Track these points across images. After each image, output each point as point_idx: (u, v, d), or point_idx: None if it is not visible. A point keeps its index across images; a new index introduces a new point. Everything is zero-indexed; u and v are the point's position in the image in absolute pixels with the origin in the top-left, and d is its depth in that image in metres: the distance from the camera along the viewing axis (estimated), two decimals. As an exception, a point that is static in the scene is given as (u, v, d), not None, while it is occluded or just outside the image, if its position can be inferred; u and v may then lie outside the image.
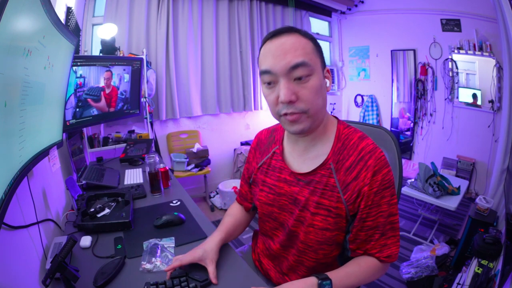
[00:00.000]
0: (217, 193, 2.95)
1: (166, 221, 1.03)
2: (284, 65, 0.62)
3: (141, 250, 0.88)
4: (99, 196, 1.21)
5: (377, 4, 3.73)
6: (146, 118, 2.45)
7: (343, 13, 4.08)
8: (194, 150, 2.82)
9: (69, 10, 1.77)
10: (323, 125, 0.72)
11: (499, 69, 2.67)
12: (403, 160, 3.67)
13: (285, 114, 0.66)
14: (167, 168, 1.43)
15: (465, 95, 3.08)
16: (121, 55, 2.28)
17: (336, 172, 0.69)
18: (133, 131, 2.51)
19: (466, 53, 2.95)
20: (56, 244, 0.90)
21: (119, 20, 2.44)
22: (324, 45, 4.33)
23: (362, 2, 3.86)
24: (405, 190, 2.24)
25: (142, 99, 2.29)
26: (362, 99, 4.13)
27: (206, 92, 3.09)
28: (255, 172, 0.86)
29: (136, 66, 2.11)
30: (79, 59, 1.66)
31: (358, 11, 3.97)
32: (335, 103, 4.26)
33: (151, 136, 2.47)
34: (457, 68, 3.08)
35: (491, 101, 2.82)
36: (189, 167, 2.73)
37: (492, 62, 2.75)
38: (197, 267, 0.76)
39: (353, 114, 4.28)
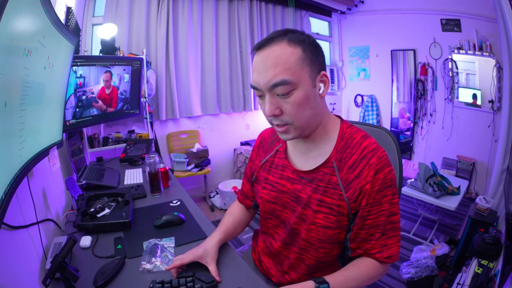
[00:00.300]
0: (217, 193, 2.95)
1: (166, 221, 1.03)
2: (266, 83, 0.63)
3: (141, 250, 0.88)
4: (99, 196, 1.21)
5: (377, 4, 3.73)
6: (146, 118, 2.45)
7: (343, 13, 4.08)
8: (194, 150, 2.82)
9: (69, 10, 1.77)
10: (322, 126, 0.72)
11: (499, 69, 2.67)
12: (403, 160, 3.68)
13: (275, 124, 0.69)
14: (167, 168, 1.43)
15: (465, 95, 3.08)
16: (121, 55, 2.28)
17: (338, 170, 0.70)
18: (133, 131, 2.51)
19: (466, 53, 2.95)
20: (56, 244, 0.90)
21: (119, 20, 2.44)
22: (324, 45, 4.33)
23: (362, 2, 3.86)
24: (405, 190, 2.24)
25: (142, 99, 2.29)
26: (362, 99, 4.13)
27: (206, 92, 3.09)
28: (258, 170, 0.87)
29: (136, 66, 2.11)
30: (79, 59, 1.66)
31: (358, 11, 3.97)
32: (335, 103, 4.26)
33: (151, 136, 2.47)
34: (457, 68, 3.08)
35: (491, 101, 2.82)
36: (189, 167, 2.73)
37: (492, 62, 2.75)
38: (202, 268, 0.76)
39: (353, 114, 4.28)
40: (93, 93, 1.76)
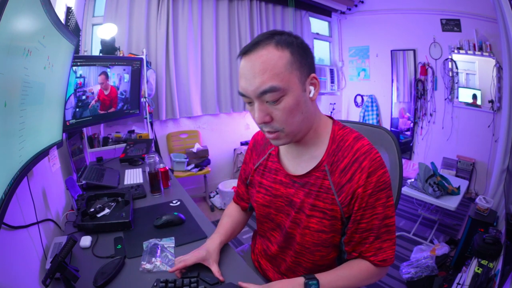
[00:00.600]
0: (217, 193, 2.95)
1: (166, 221, 1.03)
2: (254, 90, 0.61)
3: (141, 250, 0.88)
4: (99, 196, 1.21)
5: (377, 4, 3.73)
6: (146, 118, 2.45)
7: (343, 13, 4.08)
8: (194, 150, 2.82)
9: (69, 10, 1.77)
10: (314, 129, 0.71)
11: (499, 69, 2.67)
12: (403, 160, 3.69)
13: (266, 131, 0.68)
14: (167, 168, 1.43)
15: (465, 95, 3.08)
16: (121, 55, 2.28)
17: (330, 174, 0.68)
18: (133, 131, 2.51)
19: (466, 53, 2.95)
20: (56, 244, 0.90)
21: (119, 20, 2.44)
22: (324, 45, 4.33)
23: (362, 2, 3.86)
24: (405, 190, 2.24)
25: (142, 99, 2.29)
26: (362, 99, 4.13)
27: (206, 92, 3.09)
28: (252, 174, 0.86)
29: (136, 66, 2.10)
30: (79, 59, 1.66)
31: (358, 11, 3.97)
32: (335, 103, 4.26)
33: (151, 136, 2.47)
34: (457, 68, 3.08)
35: (491, 101, 2.82)
36: (189, 167, 2.73)
37: (492, 62, 2.75)
38: (206, 269, 0.76)
39: (353, 114, 4.28)
40: (93, 93, 1.76)
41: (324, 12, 3.96)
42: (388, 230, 0.68)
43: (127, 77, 2.05)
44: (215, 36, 3.04)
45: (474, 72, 2.97)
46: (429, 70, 3.33)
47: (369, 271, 0.69)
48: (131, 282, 0.76)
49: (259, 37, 0.62)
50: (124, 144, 2.09)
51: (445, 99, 3.24)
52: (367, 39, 3.94)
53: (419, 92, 3.44)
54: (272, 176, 0.79)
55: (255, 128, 3.46)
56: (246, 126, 3.45)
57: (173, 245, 0.92)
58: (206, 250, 0.78)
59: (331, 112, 4.22)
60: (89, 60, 1.78)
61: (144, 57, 2.29)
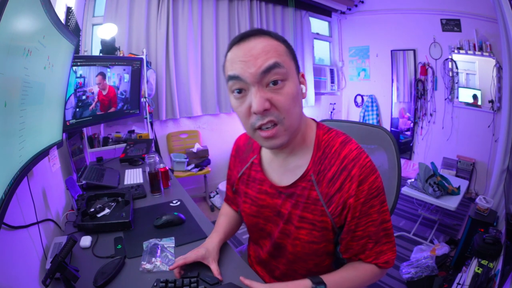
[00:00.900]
0: (217, 193, 2.94)
1: (166, 221, 1.03)
2: (255, 71, 0.56)
3: (141, 250, 0.88)
4: (99, 196, 1.21)
5: (377, 4, 3.73)
6: (146, 118, 2.45)
7: (343, 13, 4.08)
8: (194, 150, 2.82)
9: (69, 10, 1.77)
10: (301, 133, 0.67)
11: (499, 69, 2.67)
12: (403, 160, 3.71)
13: (260, 128, 0.60)
14: (167, 168, 1.43)
15: (465, 96, 3.08)
16: (121, 55, 2.28)
17: (317, 184, 0.65)
18: (133, 131, 2.51)
19: (466, 53, 2.95)
20: (56, 244, 0.90)
21: (119, 20, 2.44)
22: (324, 45, 4.33)
23: (362, 2, 3.86)
24: (405, 190, 2.24)
25: (142, 99, 2.29)
26: (362, 99, 4.13)
27: (206, 92, 3.09)
28: (237, 182, 0.82)
29: (136, 66, 2.10)
30: (79, 59, 1.66)
31: (358, 11, 3.98)
32: (335, 103, 4.27)
33: (151, 136, 2.47)
34: (457, 68, 3.08)
35: (491, 101, 2.82)
36: (189, 167, 2.73)
37: (492, 62, 2.75)
38: (206, 269, 0.76)
39: (353, 114, 4.28)
40: (93, 93, 1.76)
41: (324, 12, 3.96)
42: (386, 233, 0.65)
43: (127, 77, 2.05)
44: (215, 36, 3.04)
45: (474, 72, 2.97)
46: (429, 70, 3.33)
47: (374, 272, 0.67)
48: (131, 282, 0.76)
49: (250, 31, 0.60)
50: (124, 144, 2.09)
51: (445, 99, 3.24)
52: (367, 39, 3.94)
53: (419, 92, 3.44)
54: (257, 186, 0.75)
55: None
56: (246, 126, 3.44)
57: (173, 245, 0.92)
58: (205, 249, 0.78)
59: (331, 112, 4.22)
60: (89, 60, 1.78)
61: (144, 57, 2.29)
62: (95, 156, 1.98)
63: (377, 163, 0.85)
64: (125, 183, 1.52)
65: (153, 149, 2.34)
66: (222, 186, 2.83)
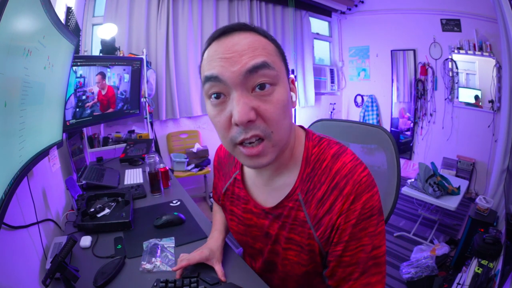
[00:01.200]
0: (217, 193, 2.94)
1: (166, 221, 1.03)
2: (238, 69, 0.46)
3: (141, 250, 0.88)
4: (99, 196, 1.21)
5: (377, 4, 3.73)
6: (146, 118, 2.45)
7: (343, 13, 4.08)
8: (194, 150, 2.82)
9: (69, 10, 1.77)
10: (290, 148, 0.58)
11: (499, 69, 2.67)
12: (404, 160, 3.70)
13: (241, 144, 0.49)
14: (167, 168, 1.43)
15: (466, 96, 3.08)
16: (121, 55, 2.28)
17: (305, 204, 0.57)
18: (133, 131, 2.51)
19: (466, 53, 2.95)
20: (56, 244, 0.90)
21: (119, 20, 2.44)
22: (324, 45, 4.33)
23: (362, 2, 3.86)
24: (405, 190, 2.24)
25: (142, 99, 2.29)
26: (362, 99, 4.13)
27: (206, 92, 3.09)
28: (222, 198, 0.76)
29: (136, 66, 2.11)
30: (79, 59, 1.66)
31: (358, 11, 3.98)
32: (335, 103, 4.27)
33: (151, 136, 2.47)
34: (457, 68, 3.08)
35: (491, 101, 2.82)
36: (189, 167, 2.73)
37: (492, 62, 2.75)
38: (207, 269, 0.76)
39: (353, 114, 4.28)
40: (93, 93, 1.76)
41: (324, 12, 3.97)
42: (376, 262, 0.53)
43: (127, 77, 2.05)
44: (215, 36, 3.04)
45: (474, 72, 2.97)
46: (429, 70, 3.33)
47: None
48: (131, 282, 0.76)
49: (233, 24, 0.50)
50: (124, 144, 2.09)
51: (445, 99, 3.24)
52: (367, 39, 3.94)
53: (419, 92, 3.44)
54: (242, 205, 0.69)
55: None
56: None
57: (173, 245, 0.92)
58: (209, 250, 0.77)
59: (331, 112, 4.22)
60: (89, 60, 1.78)
61: (144, 57, 2.29)
62: (95, 156, 1.99)
63: (376, 163, 0.85)
64: (125, 183, 1.52)
65: (153, 149, 2.34)
66: (222, 186, 2.82)
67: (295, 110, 2.89)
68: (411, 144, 3.67)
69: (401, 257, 2.00)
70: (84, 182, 1.36)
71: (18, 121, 0.68)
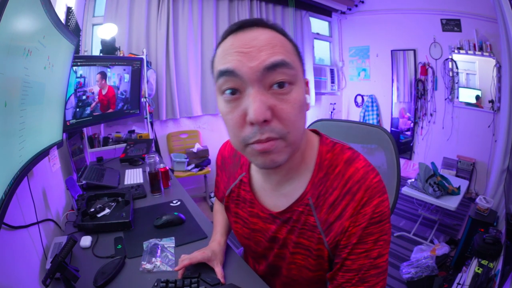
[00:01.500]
0: (217, 193, 2.94)
1: (166, 221, 1.03)
2: (257, 65, 0.44)
3: (141, 250, 0.88)
4: (99, 196, 1.21)
5: (377, 4, 3.73)
6: (146, 118, 2.45)
7: (343, 13, 4.08)
8: (194, 150, 2.82)
9: (69, 10, 1.77)
10: (301, 152, 0.56)
11: (499, 69, 2.67)
12: (404, 160, 3.70)
13: (255, 143, 0.47)
14: (167, 168, 1.43)
15: (466, 96, 3.08)
16: (121, 55, 2.28)
17: (316, 209, 0.56)
18: (133, 131, 2.51)
19: (466, 53, 2.95)
20: (56, 244, 0.90)
21: (119, 20, 2.44)
22: (324, 45, 4.33)
23: (362, 2, 3.86)
24: (405, 190, 2.24)
25: (142, 99, 2.29)
26: (362, 99, 4.13)
27: (206, 92, 3.09)
28: (226, 200, 0.73)
29: (136, 66, 2.11)
30: (79, 59, 1.66)
31: (358, 11, 3.98)
32: (335, 103, 4.27)
33: (151, 136, 2.47)
34: (457, 68, 3.08)
35: (491, 101, 2.82)
36: (189, 167, 2.73)
37: (492, 62, 2.75)
38: (208, 269, 0.76)
39: (353, 114, 4.28)
40: (93, 93, 1.76)
41: (324, 12, 3.96)
42: (378, 272, 0.52)
43: (127, 77, 2.05)
44: (215, 36, 3.03)
45: (474, 72, 2.97)
46: (429, 70, 3.33)
47: None
48: (131, 282, 0.76)
49: (250, 20, 0.48)
50: (124, 144, 2.09)
51: (445, 99, 3.24)
52: (367, 39, 3.94)
53: (419, 92, 3.44)
54: (247, 208, 0.67)
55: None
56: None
57: (173, 245, 0.92)
58: (211, 251, 0.77)
59: (331, 112, 4.22)
60: (89, 60, 1.78)
61: (144, 57, 2.29)
62: (95, 156, 1.98)
63: (376, 163, 0.85)
64: (125, 183, 1.52)
65: (153, 149, 2.34)
66: (222, 186, 2.82)
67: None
68: (411, 144, 3.67)
69: (401, 257, 2.00)
70: (84, 182, 1.36)
71: (18, 121, 0.68)
